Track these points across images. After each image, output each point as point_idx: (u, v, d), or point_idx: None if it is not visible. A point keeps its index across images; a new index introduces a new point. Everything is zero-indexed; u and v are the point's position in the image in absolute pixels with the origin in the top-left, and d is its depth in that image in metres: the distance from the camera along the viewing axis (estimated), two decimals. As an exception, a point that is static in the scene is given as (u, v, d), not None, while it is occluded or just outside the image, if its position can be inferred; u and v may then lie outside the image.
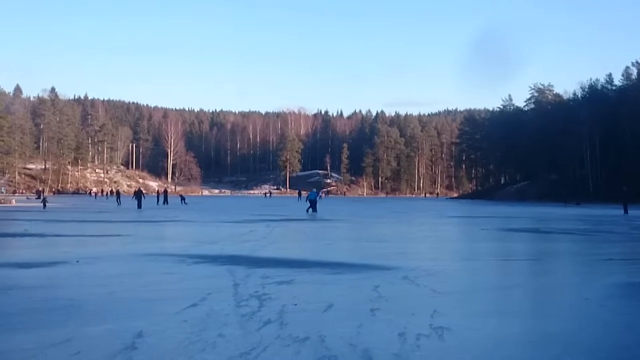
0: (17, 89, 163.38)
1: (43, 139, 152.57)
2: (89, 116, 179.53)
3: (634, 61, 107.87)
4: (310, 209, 42.65)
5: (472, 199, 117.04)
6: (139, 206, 48.22)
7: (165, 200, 61.21)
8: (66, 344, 6.10)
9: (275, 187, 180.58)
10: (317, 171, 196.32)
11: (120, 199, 67.72)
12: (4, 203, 59.82)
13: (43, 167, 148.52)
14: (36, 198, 79.03)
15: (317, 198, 46.50)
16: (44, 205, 50.23)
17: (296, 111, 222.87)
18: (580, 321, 7.60)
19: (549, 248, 19.28)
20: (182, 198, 65.25)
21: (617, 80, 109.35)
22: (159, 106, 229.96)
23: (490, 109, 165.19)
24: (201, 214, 41.34)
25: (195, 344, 6.11)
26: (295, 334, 6.51)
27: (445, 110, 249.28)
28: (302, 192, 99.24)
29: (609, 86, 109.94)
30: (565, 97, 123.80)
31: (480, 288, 10.24)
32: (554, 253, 17.47)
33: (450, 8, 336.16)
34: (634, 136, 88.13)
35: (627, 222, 32.58)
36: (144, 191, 55.03)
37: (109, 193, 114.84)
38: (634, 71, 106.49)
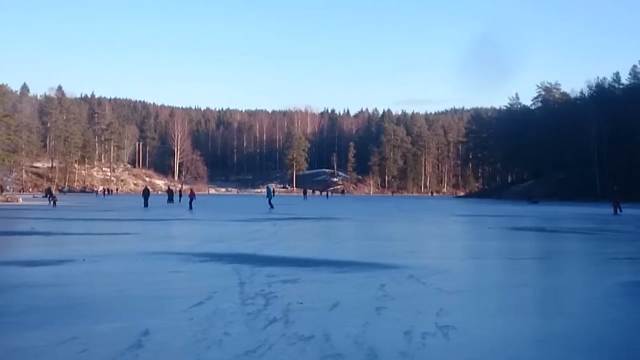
0: (24, 88, 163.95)
1: (50, 138, 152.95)
2: (96, 115, 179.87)
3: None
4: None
5: (479, 197, 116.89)
6: (146, 205, 48.27)
7: (171, 199, 61.32)
8: (73, 341, 6.13)
9: (282, 185, 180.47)
10: (324, 170, 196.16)
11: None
12: (10, 201, 59.88)
13: (50, 165, 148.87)
14: (43, 196, 79.17)
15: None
16: (54, 204, 50.25)
17: (303, 109, 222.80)
18: (588, 320, 7.61)
19: (555, 247, 19.24)
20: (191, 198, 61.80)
21: (625, 79, 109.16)
22: (166, 105, 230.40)
23: (497, 107, 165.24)
24: (207, 212, 41.35)
25: (202, 342, 6.14)
26: (301, 332, 6.52)
27: (452, 108, 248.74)
28: (307, 191, 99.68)
29: (617, 85, 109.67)
30: (572, 95, 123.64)
31: (487, 287, 10.25)
32: (560, 252, 17.44)
33: (457, 7, 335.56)
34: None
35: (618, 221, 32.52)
36: (151, 190, 54.88)
37: (106, 191, 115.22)
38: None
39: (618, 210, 42.04)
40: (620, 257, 15.15)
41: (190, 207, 44.56)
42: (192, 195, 49.26)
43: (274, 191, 67.65)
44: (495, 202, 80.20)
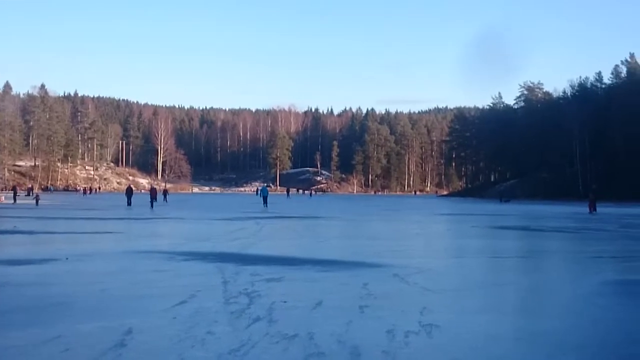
0: (7, 86, 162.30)
1: (33, 136, 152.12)
2: (79, 113, 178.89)
3: (623, 59, 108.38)
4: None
5: (462, 196, 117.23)
6: (129, 203, 48.09)
7: (155, 198, 61.13)
8: (57, 340, 6.10)
9: (265, 184, 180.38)
10: (308, 169, 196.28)
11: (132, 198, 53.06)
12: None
13: (33, 164, 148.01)
14: (26, 195, 78.85)
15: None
16: (36, 202, 50.20)
17: (286, 108, 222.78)
18: (571, 318, 7.65)
19: (538, 246, 19.34)
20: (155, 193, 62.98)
21: (607, 78, 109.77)
22: (149, 103, 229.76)
23: (481, 107, 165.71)
24: (191, 211, 41.31)
25: (185, 340, 6.13)
26: (285, 331, 6.52)
27: (435, 108, 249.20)
28: (290, 190, 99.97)
29: (599, 84, 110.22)
30: (555, 95, 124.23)
31: (470, 285, 10.28)
32: (543, 250, 17.54)
33: (441, 7, 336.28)
34: (623, 134, 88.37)
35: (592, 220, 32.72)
36: (134, 188, 54.61)
37: (88, 190, 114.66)
38: (624, 69, 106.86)
39: (593, 209, 42.12)
40: (603, 256, 15.25)
41: (152, 207, 44.48)
42: (153, 194, 48.80)
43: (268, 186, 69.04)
44: (469, 201, 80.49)
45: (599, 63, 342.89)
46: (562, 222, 31.19)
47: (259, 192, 64.65)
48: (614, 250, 17.22)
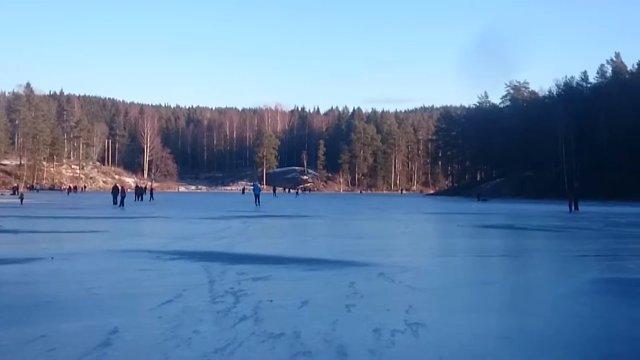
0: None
1: (18, 135, 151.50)
2: (65, 112, 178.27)
3: (608, 59, 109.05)
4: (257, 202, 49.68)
5: (448, 195, 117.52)
6: (115, 202, 47.90)
7: (141, 197, 61.19)
8: (42, 340, 6.07)
9: (251, 183, 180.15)
10: (294, 167, 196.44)
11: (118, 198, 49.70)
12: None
13: (18, 163, 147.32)
14: (11, 194, 78.47)
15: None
16: (21, 201, 49.96)
17: (273, 107, 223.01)
18: (556, 317, 7.67)
19: (523, 245, 19.39)
20: (142, 191, 63.94)
21: (592, 77, 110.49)
22: (135, 102, 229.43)
23: (467, 106, 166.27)
24: (177, 210, 41.21)
25: (171, 340, 6.11)
26: (271, 330, 6.52)
27: (421, 107, 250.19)
28: (277, 189, 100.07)
29: (584, 84, 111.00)
30: (540, 94, 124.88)
31: (456, 284, 10.30)
32: (529, 250, 17.59)
33: (429, 7, 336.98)
34: (608, 133, 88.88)
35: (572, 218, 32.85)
36: (119, 187, 54.42)
37: (73, 189, 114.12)
38: (609, 69, 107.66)
39: (574, 208, 42.16)
40: (588, 255, 15.32)
41: (122, 205, 44.41)
42: (122, 193, 48.50)
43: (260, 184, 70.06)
44: (454, 200, 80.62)
45: (585, 62, 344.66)
46: (546, 221, 31.27)
47: (244, 191, 65.26)
48: (598, 249, 17.28)
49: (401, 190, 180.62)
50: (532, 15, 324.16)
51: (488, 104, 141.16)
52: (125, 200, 47.86)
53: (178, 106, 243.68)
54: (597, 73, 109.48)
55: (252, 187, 64.07)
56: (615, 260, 14.25)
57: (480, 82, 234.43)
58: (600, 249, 17.32)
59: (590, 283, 10.29)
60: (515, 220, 32.74)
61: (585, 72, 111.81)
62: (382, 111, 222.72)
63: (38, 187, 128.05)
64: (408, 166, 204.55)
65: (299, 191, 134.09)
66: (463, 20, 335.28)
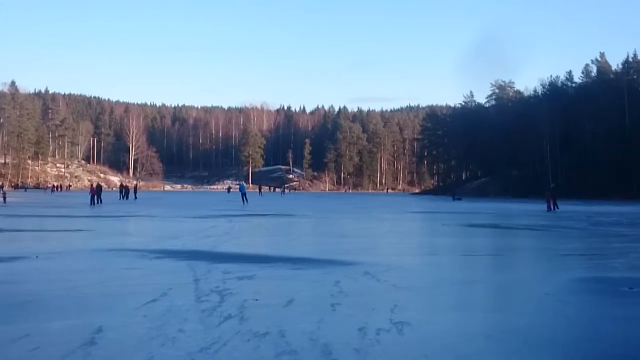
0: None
1: (3, 133, 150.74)
2: (50, 110, 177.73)
3: (593, 59, 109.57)
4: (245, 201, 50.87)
5: (434, 194, 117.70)
6: (100, 201, 47.73)
7: (126, 196, 61.09)
8: (25, 339, 6.05)
9: (237, 182, 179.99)
10: (280, 166, 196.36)
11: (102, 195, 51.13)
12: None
13: (3, 161, 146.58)
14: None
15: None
16: (4, 200, 49.75)
17: (259, 106, 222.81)
18: (541, 316, 7.69)
19: (509, 243, 19.45)
20: (126, 190, 63.88)
21: (577, 77, 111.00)
22: (121, 101, 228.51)
23: (452, 105, 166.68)
24: (163, 209, 41.11)
25: (156, 339, 6.09)
26: (256, 329, 6.51)
27: (407, 106, 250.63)
28: (262, 188, 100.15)
29: (569, 83, 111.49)
30: (526, 94, 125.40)
31: (441, 283, 10.33)
32: (514, 248, 17.66)
33: (415, 6, 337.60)
34: (593, 133, 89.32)
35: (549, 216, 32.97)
36: (103, 186, 54.07)
37: (56, 187, 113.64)
38: (594, 68, 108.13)
39: (554, 207, 42.29)
40: (573, 254, 15.38)
41: (92, 203, 44.51)
42: (92, 191, 48.29)
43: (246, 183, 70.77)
44: (439, 199, 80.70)
45: (570, 62, 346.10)
46: (531, 220, 31.38)
47: (230, 190, 65.61)
48: (583, 248, 17.34)
49: (387, 189, 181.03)
50: (518, 15, 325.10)
51: (473, 104, 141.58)
52: (102, 197, 47.97)
53: (164, 105, 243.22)
54: (582, 73, 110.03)
55: (237, 186, 64.50)
56: (600, 259, 14.32)
57: (467, 81, 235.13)
58: (586, 248, 17.39)
59: (575, 282, 10.33)
60: (500, 219, 32.85)
61: (570, 72, 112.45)
62: (368, 110, 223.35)
63: (26, 185, 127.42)
64: (394, 165, 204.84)
65: (285, 190, 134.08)
66: (449, 20, 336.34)
